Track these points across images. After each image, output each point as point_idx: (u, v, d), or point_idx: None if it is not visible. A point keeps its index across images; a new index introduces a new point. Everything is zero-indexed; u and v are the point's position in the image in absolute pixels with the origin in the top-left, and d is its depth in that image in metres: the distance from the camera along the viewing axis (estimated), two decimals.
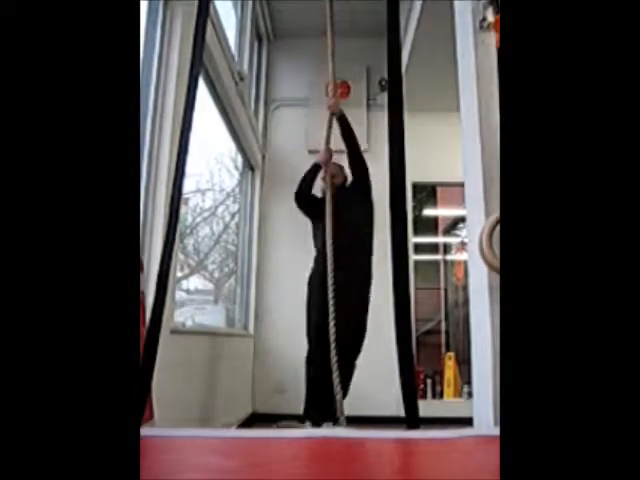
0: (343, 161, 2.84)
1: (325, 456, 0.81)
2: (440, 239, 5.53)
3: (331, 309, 2.13)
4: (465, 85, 1.87)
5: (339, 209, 2.45)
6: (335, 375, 2.07)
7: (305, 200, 2.78)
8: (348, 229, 2.47)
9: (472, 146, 1.72)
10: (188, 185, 4.50)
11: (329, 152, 2.69)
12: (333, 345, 2.10)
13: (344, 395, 2.23)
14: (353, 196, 2.69)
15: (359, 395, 4.43)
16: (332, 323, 2.12)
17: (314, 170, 2.76)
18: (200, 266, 5.39)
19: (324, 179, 2.71)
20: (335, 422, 2.13)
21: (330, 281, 2.20)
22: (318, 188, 2.88)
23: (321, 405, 2.37)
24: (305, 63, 4.94)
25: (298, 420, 2.52)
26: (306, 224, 2.96)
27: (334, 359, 2.10)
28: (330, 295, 2.16)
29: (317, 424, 2.32)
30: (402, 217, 1.44)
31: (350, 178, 2.79)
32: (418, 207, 5.26)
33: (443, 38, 2.60)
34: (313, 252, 2.79)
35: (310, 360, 2.63)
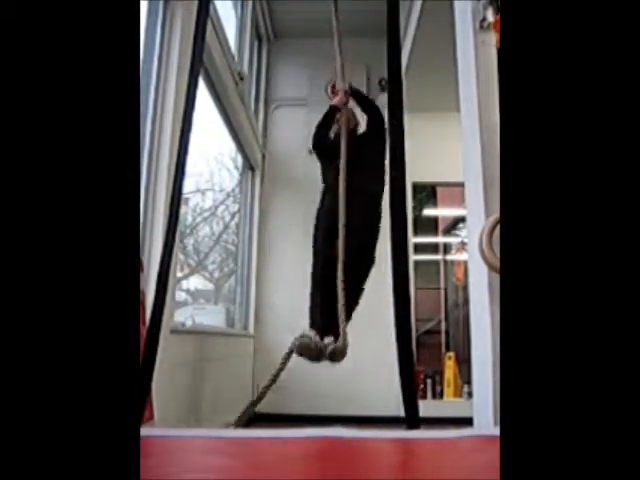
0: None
1: (325, 456, 0.81)
2: (440, 239, 5.54)
3: (341, 229, 2.23)
4: (465, 85, 1.87)
5: (354, 154, 2.47)
6: (341, 293, 2.13)
7: (323, 144, 2.71)
8: (361, 172, 2.49)
9: (472, 146, 1.72)
10: (188, 185, 4.50)
11: (347, 95, 2.66)
12: (341, 266, 2.18)
13: (348, 316, 2.27)
14: (366, 143, 2.69)
15: (359, 395, 4.44)
16: (342, 245, 2.21)
17: (331, 114, 2.68)
18: (200, 266, 5.39)
19: (338, 122, 2.65)
20: (336, 339, 2.17)
21: (342, 206, 2.28)
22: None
23: (328, 313, 2.33)
24: (305, 63, 4.94)
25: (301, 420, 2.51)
26: (306, 223, 2.94)
27: (341, 278, 2.16)
28: (341, 221, 2.26)
29: (322, 333, 2.32)
30: (402, 217, 1.44)
31: (362, 126, 2.75)
32: (418, 207, 5.26)
33: (443, 38, 2.60)
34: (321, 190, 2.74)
35: (317, 276, 2.53)
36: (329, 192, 2.60)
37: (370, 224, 2.52)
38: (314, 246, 2.57)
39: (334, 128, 2.69)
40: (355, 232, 2.37)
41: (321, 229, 2.54)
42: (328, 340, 2.27)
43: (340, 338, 2.16)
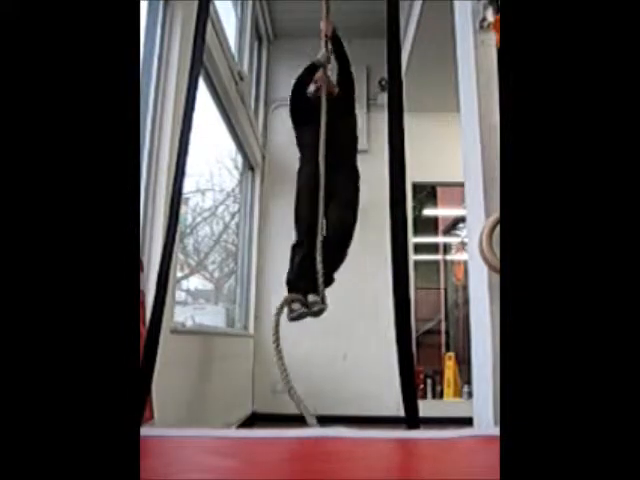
0: None
1: (325, 456, 0.81)
2: (440, 239, 5.54)
3: (322, 193, 2.43)
4: (465, 85, 1.87)
5: (329, 117, 2.57)
6: (319, 257, 2.36)
7: (301, 101, 2.82)
8: (336, 135, 2.61)
9: (472, 146, 1.72)
10: (188, 185, 4.50)
11: (328, 50, 2.75)
12: (321, 230, 2.38)
13: (328, 280, 2.50)
14: (339, 107, 2.80)
15: (359, 395, 4.44)
16: (322, 210, 2.41)
17: (311, 69, 2.80)
18: (200, 266, 5.38)
19: (317, 82, 2.75)
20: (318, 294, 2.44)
21: (322, 173, 2.45)
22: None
23: (308, 276, 2.54)
24: (305, 63, 4.92)
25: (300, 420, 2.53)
26: None
27: (319, 244, 2.38)
28: (322, 182, 2.44)
29: (303, 294, 2.56)
30: (402, 217, 1.44)
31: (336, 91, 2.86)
32: (418, 207, 5.26)
33: (443, 38, 2.60)
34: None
35: (298, 242, 2.72)
36: (307, 155, 2.70)
37: (349, 181, 2.64)
38: (296, 209, 2.73)
39: (311, 88, 2.77)
40: (338, 193, 2.52)
41: (302, 192, 2.71)
42: (313, 298, 2.52)
43: (320, 296, 2.45)
